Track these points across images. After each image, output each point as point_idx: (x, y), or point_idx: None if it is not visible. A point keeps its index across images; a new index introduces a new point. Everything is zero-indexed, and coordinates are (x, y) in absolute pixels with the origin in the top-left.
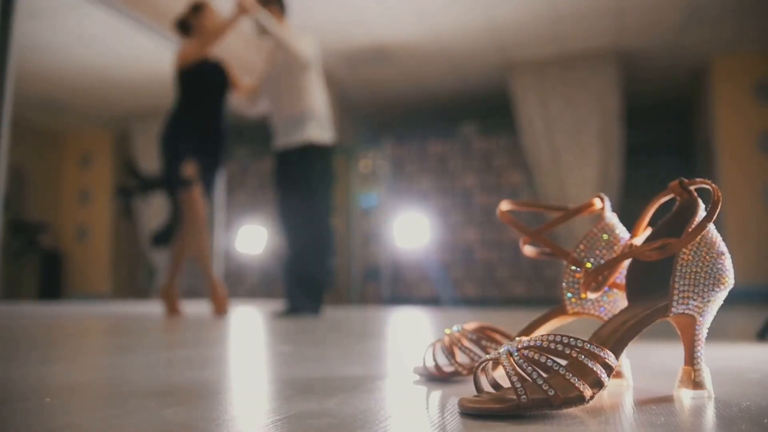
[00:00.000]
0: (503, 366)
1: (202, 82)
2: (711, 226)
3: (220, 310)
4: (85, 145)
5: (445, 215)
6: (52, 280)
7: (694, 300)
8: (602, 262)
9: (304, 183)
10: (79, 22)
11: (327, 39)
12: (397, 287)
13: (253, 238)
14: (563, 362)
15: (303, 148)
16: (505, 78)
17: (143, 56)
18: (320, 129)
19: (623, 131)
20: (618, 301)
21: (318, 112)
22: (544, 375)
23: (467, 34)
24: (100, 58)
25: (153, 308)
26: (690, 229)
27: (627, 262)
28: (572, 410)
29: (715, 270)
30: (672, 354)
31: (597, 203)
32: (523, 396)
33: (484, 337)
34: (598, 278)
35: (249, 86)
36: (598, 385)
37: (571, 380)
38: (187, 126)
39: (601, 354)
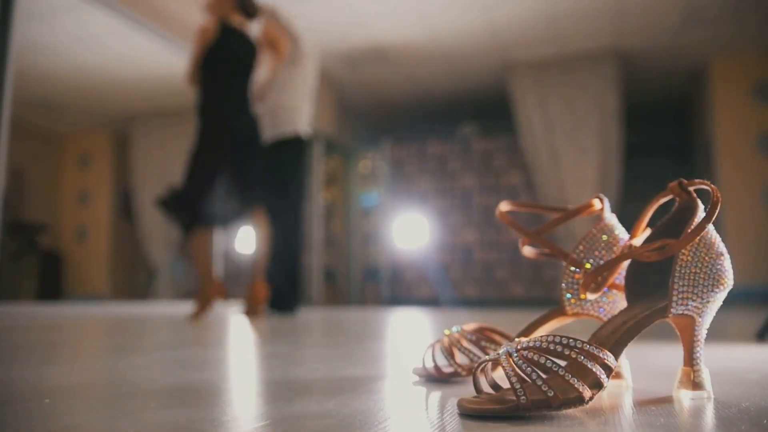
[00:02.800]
0: (502, 367)
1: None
2: (710, 227)
3: (257, 309)
4: (85, 145)
5: (444, 216)
6: (51, 281)
7: (694, 301)
8: (601, 262)
9: (295, 174)
10: (78, 23)
11: (327, 39)
12: (397, 288)
13: (252, 238)
14: (563, 363)
15: (294, 139)
16: (504, 79)
17: (143, 57)
18: (305, 123)
19: (622, 132)
20: (617, 301)
21: (304, 106)
22: (544, 376)
23: (466, 35)
24: (99, 59)
25: (152, 309)
26: (689, 230)
27: (626, 263)
28: (572, 411)
29: (714, 271)
30: (671, 355)
31: (596, 204)
32: (523, 397)
33: (483, 337)
34: (597, 279)
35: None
36: (597, 386)
37: (571, 381)
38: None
39: (601, 355)
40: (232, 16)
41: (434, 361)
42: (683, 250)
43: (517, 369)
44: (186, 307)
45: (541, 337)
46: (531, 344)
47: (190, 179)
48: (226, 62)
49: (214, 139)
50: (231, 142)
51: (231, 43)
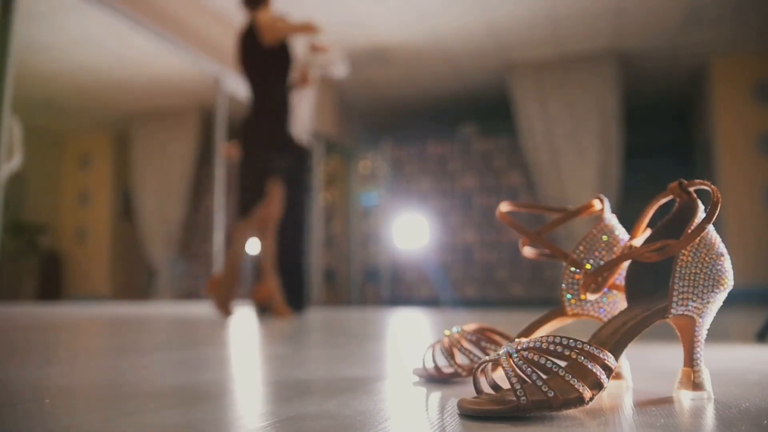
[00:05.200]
0: (503, 367)
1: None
2: (710, 228)
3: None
4: (85, 146)
5: (444, 216)
6: (51, 282)
7: (694, 301)
8: (602, 263)
9: (291, 184)
10: (78, 24)
11: (326, 40)
12: (397, 288)
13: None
14: (563, 364)
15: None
16: (504, 79)
17: (143, 57)
18: (303, 127)
19: (622, 132)
20: (617, 302)
21: (300, 106)
22: (544, 376)
23: (467, 36)
24: (99, 60)
25: (152, 309)
26: (689, 231)
27: (626, 264)
28: (572, 412)
29: (714, 271)
30: (671, 355)
31: (596, 204)
32: (523, 397)
33: (483, 338)
34: (597, 279)
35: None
36: (597, 386)
37: (571, 382)
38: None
39: (601, 355)
40: (247, 15)
41: (434, 361)
42: (683, 251)
43: (517, 369)
44: (186, 308)
45: (541, 337)
46: (531, 345)
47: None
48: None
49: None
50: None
51: (238, 48)
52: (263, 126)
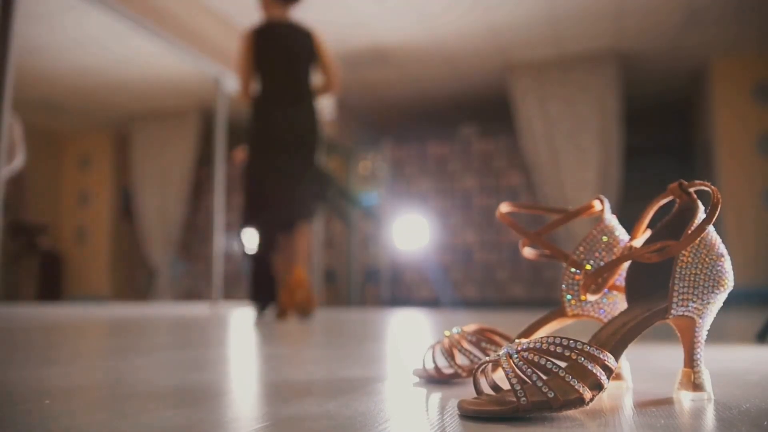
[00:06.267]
0: (503, 368)
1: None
2: (710, 228)
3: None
4: (85, 146)
5: (444, 217)
6: (51, 282)
7: (694, 302)
8: (602, 264)
9: None
10: (78, 24)
11: (326, 40)
12: (397, 289)
13: (251, 240)
14: (563, 364)
15: None
16: (504, 79)
17: (142, 58)
18: None
19: (622, 133)
20: (618, 303)
21: None
22: (544, 377)
23: (467, 36)
24: (99, 60)
25: (152, 310)
26: (689, 231)
27: (627, 264)
28: (572, 412)
29: (714, 272)
30: (671, 356)
31: (596, 205)
32: (523, 398)
33: (483, 339)
34: (597, 280)
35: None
36: (597, 387)
37: (571, 382)
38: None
39: (601, 356)
40: (273, 11)
41: (434, 362)
42: (684, 252)
43: (517, 370)
44: (186, 308)
45: (542, 338)
46: (531, 345)
47: (245, 196)
48: (265, 60)
49: (257, 142)
50: (275, 142)
51: (266, 40)
52: (304, 125)
